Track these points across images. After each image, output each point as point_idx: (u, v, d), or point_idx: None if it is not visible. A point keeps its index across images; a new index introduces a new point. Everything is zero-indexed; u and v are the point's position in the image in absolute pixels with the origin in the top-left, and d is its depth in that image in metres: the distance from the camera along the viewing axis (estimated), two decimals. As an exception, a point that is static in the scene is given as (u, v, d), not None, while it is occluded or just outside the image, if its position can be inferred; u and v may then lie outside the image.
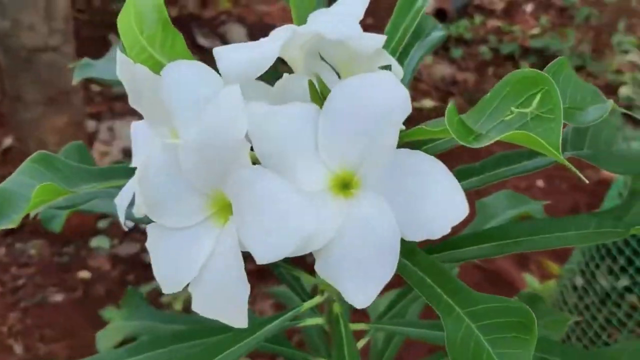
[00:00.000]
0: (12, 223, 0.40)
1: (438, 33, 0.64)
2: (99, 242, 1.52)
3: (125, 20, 0.42)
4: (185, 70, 0.38)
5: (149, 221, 0.38)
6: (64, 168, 0.44)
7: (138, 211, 0.37)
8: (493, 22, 2.34)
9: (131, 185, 0.41)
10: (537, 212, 0.66)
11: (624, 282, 1.07)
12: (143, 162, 0.36)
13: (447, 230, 0.33)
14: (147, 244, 0.37)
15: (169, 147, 0.35)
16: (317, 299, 0.56)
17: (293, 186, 0.32)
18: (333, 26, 0.41)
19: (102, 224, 1.57)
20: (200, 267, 0.34)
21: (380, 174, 0.34)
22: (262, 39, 0.44)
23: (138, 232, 1.54)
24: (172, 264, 0.36)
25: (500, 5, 2.47)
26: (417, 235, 0.33)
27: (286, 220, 0.31)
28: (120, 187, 0.43)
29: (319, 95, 0.40)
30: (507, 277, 1.57)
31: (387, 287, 0.35)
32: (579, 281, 1.18)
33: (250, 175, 0.32)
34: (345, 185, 0.35)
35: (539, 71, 0.38)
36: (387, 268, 0.33)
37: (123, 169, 0.45)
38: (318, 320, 0.58)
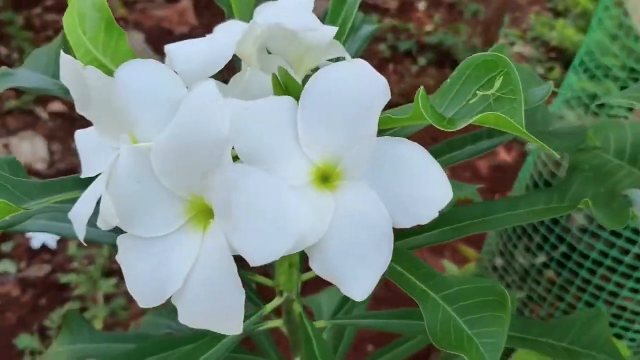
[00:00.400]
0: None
1: (369, 27, 0.64)
2: (5, 267, 1.41)
3: (69, 21, 0.38)
4: (141, 70, 0.36)
5: (114, 233, 0.35)
6: (5, 183, 0.40)
7: (104, 223, 0.34)
8: (389, 21, 2.40)
9: (89, 197, 0.38)
10: (474, 196, 0.68)
11: (541, 259, 1.13)
12: (108, 171, 0.33)
13: (436, 215, 0.33)
14: (119, 257, 0.34)
15: (137, 151, 0.33)
16: (277, 301, 0.55)
17: (284, 182, 0.31)
18: (291, 17, 0.40)
19: (5, 247, 1.46)
20: (184, 277, 0.32)
21: (363, 164, 0.34)
22: (213, 35, 0.42)
23: (47, 253, 1.45)
24: (150, 277, 0.33)
25: (394, 4, 2.54)
26: (407, 222, 0.33)
27: (281, 218, 0.30)
28: (68, 202, 0.40)
29: (283, 88, 0.39)
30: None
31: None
32: (499, 262, 1.24)
33: (237, 174, 0.31)
34: (325, 179, 0.35)
35: (499, 54, 0.39)
36: (383, 256, 0.32)
37: (72, 181, 0.41)
38: (278, 323, 0.57)
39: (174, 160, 0.32)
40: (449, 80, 0.40)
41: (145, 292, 0.34)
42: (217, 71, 0.39)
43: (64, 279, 1.39)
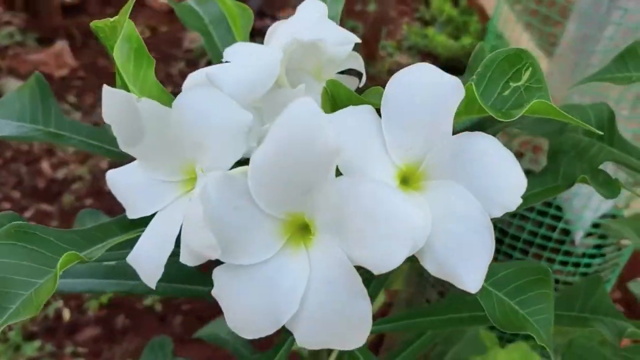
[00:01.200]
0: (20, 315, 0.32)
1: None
2: None
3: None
4: (201, 97, 0.35)
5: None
6: (47, 235, 0.36)
7: (195, 258, 0.32)
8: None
9: (155, 237, 0.36)
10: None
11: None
12: (195, 204, 0.32)
13: (520, 201, 0.35)
14: (215, 292, 0.33)
15: (228, 177, 0.32)
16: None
17: (393, 187, 0.31)
18: (322, 31, 0.41)
19: None
20: (300, 298, 0.31)
21: (443, 162, 0.35)
22: (253, 53, 0.41)
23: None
24: (258, 306, 0.32)
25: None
26: (497, 211, 0.34)
27: (398, 222, 0.30)
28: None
29: (330, 99, 0.39)
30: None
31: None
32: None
33: (349, 185, 0.30)
34: (405, 181, 0.35)
35: (521, 48, 0.42)
36: (487, 245, 0.33)
37: (118, 224, 0.39)
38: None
39: (274, 179, 0.31)
40: (475, 77, 0.43)
41: (253, 323, 0.32)
42: (265, 91, 0.39)
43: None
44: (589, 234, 1.14)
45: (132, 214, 0.38)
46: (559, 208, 1.13)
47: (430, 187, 0.34)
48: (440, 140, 0.34)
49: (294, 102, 0.30)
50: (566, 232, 1.13)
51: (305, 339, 0.32)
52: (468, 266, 0.33)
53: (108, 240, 0.37)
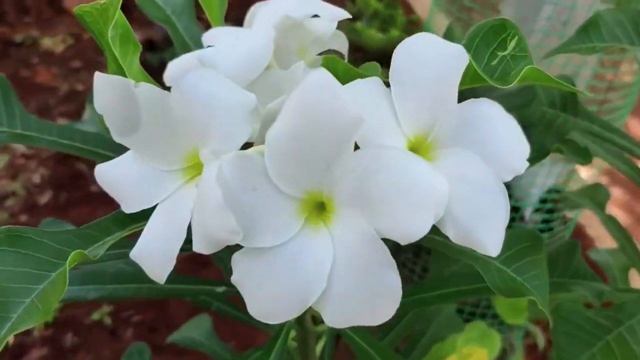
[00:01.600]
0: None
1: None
2: None
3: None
4: (204, 79, 0.33)
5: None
6: (40, 238, 0.34)
7: (213, 245, 0.31)
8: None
9: (161, 230, 0.34)
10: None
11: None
12: (208, 189, 0.30)
13: (527, 165, 0.35)
14: (236, 279, 0.31)
15: (244, 158, 0.30)
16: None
17: (414, 155, 0.31)
18: (316, 9, 0.40)
19: None
20: (326, 276, 0.30)
21: (451, 130, 0.35)
22: (244, 34, 0.40)
23: None
24: (283, 289, 0.31)
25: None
26: (507, 175, 0.35)
27: (424, 190, 0.30)
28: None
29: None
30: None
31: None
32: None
33: (372, 155, 0.30)
34: (413, 151, 0.35)
35: (505, 18, 0.42)
36: (502, 208, 0.33)
37: (113, 221, 0.36)
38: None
39: (293, 156, 0.30)
40: (461, 48, 0.43)
41: (279, 307, 0.31)
42: (260, 72, 0.38)
43: None
44: (536, 210, 1.18)
45: (129, 208, 0.36)
46: (507, 186, 1.16)
47: (440, 157, 0.34)
48: (447, 109, 0.34)
49: (310, 74, 0.30)
50: (516, 209, 1.17)
51: (334, 318, 0.31)
52: (487, 230, 0.33)
53: (105, 238, 0.35)
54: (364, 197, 0.30)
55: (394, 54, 0.34)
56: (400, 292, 0.30)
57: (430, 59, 0.34)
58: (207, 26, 0.48)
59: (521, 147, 0.35)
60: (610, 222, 0.76)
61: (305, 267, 0.31)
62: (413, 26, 2.55)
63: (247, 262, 0.31)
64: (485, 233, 0.33)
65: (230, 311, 0.58)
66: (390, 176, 0.30)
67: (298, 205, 0.32)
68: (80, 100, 2.13)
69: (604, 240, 1.62)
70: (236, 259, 0.31)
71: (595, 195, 0.78)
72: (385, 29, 2.59)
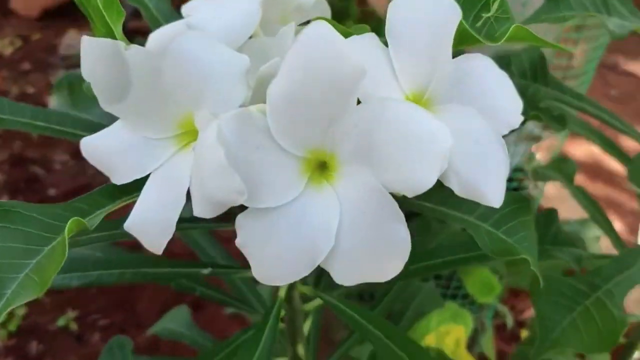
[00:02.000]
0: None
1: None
2: None
3: None
4: (198, 42, 0.32)
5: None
6: (29, 212, 0.32)
7: (216, 207, 0.30)
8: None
9: (157, 198, 0.33)
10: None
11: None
12: (209, 150, 0.29)
13: (522, 119, 0.36)
14: (240, 242, 0.30)
15: (245, 115, 0.30)
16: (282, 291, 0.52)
17: (418, 107, 0.30)
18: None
19: None
20: (334, 233, 0.30)
21: (447, 86, 0.35)
22: (217, 4, 0.39)
23: None
24: (290, 249, 0.30)
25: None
26: (504, 129, 0.35)
27: (430, 141, 0.29)
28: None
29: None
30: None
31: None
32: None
33: (376, 108, 0.29)
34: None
35: (486, -18, 0.43)
36: (502, 159, 0.33)
37: (103, 193, 0.35)
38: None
39: (296, 113, 0.29)
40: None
41: (286, 268, 0.30)
42: (247, 38, 0.37)
43: None
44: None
45: (119, 179, 0.34)
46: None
47: (438, 112, 0.34)
48: (442, 64, 0.34)
49: (309, 27, 0.29)
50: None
51: (344, 275, 0.30)
52: (489, 182, 0.33)
53: (96, 211, 0.34)
54: (368, 152, 0.30)
55: (389, 8, 0.34)
56: (410, 246, 0.30)
57: (425, 10, 0.34)
58: (179, 4, 0.47)
59: (515, 101, 0.35)
60: (580, 194, 0.78)
61: (312, 226, 0.30)
62: (368, 17, 2.56)
63: (252, 224, 0.30)
64: (487, 185, 0.33)
65: (215, 295, 0.57)
66: (395, 128, 0.29)
67: (301, 164, 0.31)
68: (31, 103, 2.06)
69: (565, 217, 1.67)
70: (240, 221, 0.30)
71: (563, 168, 0.79)
72: (339, 21, 2.60)
